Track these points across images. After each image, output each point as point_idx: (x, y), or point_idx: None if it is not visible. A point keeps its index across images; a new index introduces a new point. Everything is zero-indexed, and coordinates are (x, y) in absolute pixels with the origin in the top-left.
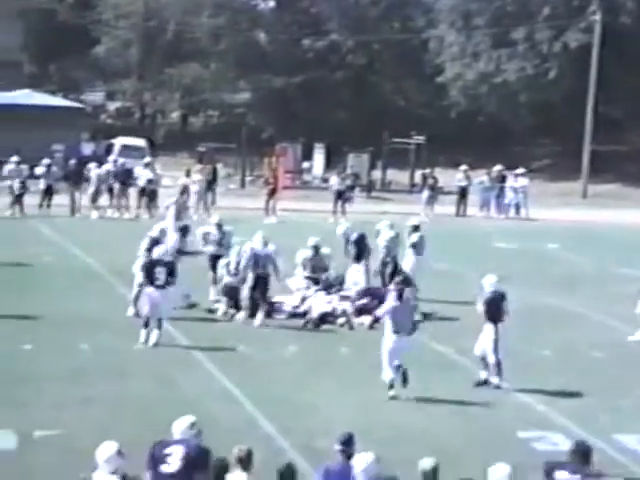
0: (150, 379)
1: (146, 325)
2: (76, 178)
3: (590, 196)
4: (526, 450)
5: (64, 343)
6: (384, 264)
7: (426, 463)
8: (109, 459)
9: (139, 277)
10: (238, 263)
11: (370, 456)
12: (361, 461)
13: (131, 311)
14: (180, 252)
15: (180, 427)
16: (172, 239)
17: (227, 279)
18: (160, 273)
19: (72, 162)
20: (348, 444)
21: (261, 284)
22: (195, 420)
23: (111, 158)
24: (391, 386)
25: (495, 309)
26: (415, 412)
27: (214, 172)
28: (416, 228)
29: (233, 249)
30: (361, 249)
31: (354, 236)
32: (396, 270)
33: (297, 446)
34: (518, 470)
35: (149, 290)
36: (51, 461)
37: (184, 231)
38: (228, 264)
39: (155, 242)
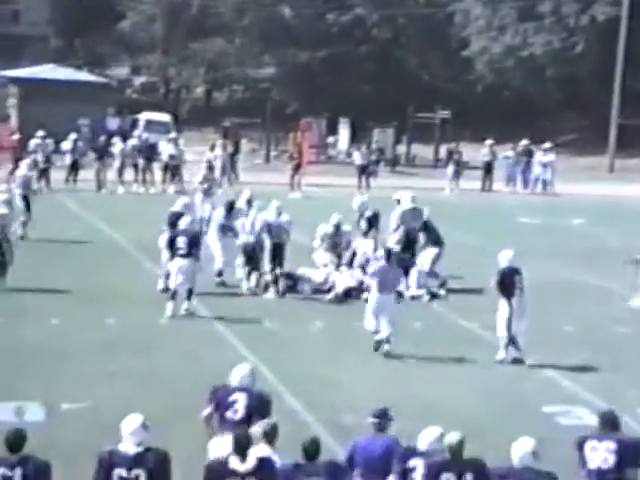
0: (175, 354)
1: (173, 297)
2: (102, 153)
3: (617, 170)
4: (551, 425)
5: (90, 318)
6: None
7: (453, 437)
8: (134, 431)
9: (165, 253)
10: (252, 225)
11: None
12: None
13: (161, 285)
14: (226, 228)
15: (239, 374)
16: (218, 215)
17: (244, 237)
18: (182, 242)
19: (102, 138)
20: (383, 417)
21: (277, 253)
22: (253, 367)
23: (136, 133)
24: (375, 332)
25: (509, 284)
26: (440, 387)
27: (236, 146)
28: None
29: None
30: (371, 226)
31: (368, 212)
32: (408, 240)
33: (322, 421)
34: (543, 444)
35: (175, 261)
36: (78, 434)
37: (230, 207)
38: (243, 224)
39: (177, 216)
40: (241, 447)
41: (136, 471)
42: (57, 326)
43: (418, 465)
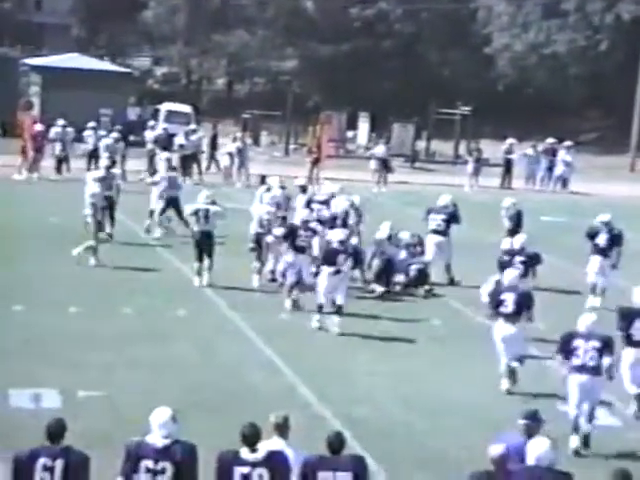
0: (192, 344)
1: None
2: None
3: (638, 170)
4: (568, 423)
5: (108, 307)
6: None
7: (495, 450)
8: (163, 424)
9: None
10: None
11: (546, 442)
12: (536, 447)
13: (196, 281)
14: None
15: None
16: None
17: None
18: (202, 217)
19: (118, 127)
20: (533, 419)
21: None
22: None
23: (151, 123)
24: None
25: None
26: (457, 383)
27: (255, 138)
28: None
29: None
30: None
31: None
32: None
33: (337, 414)
34: (560, 443)
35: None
36: (94, 421)
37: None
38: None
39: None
40: (249, 441)
41: (163, 463)
42: (75, 314)
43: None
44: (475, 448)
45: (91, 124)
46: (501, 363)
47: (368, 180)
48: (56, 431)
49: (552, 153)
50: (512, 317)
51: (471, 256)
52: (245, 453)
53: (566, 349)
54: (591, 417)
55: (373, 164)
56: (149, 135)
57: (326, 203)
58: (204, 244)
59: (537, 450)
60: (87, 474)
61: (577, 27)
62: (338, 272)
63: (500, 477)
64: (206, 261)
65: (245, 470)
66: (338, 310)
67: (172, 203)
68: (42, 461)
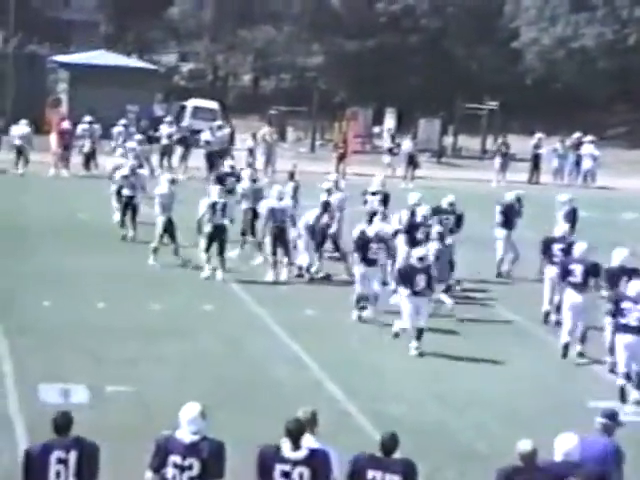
0: (218, 340)
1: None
2: (150, 139)
3: None
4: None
5: (136, 302)
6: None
7: (525, 446)
8: (192, 420)
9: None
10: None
11: (574, 438)
12: (564, 443)
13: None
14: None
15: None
16: (312, 215)
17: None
18: (219, 210)
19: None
20: (611, 419)
21: (281, 237)
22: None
23: (168, 119)
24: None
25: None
26: (485, 380)
27: (281, 134)
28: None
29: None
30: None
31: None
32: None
33: (363, 410)
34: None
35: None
36: (121, 416)
37: (325, 207)
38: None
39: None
40: (293, 436)
41: (190, 459)
42: (103, 310)
43: None
44: (505, 444)
45: (122, 121)
46: (563, 332)
47: (394, 176)
48: (63, 423)
49: (578, 147)
50: (580, 287)
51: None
52: (287, 450)
53: (616, 310)
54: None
55: (386, 159)
56: (165, 130)
57: (379, 195)
58: (217, 238)
59: (565, 446)
60: (98, 464)
61: (605, 21)
62: (419, 293)
63: (528, 472)
64: (217, 258)
65: (286, 468)
66: (419, 335)
67: (130, 205)
68: (56, 454)
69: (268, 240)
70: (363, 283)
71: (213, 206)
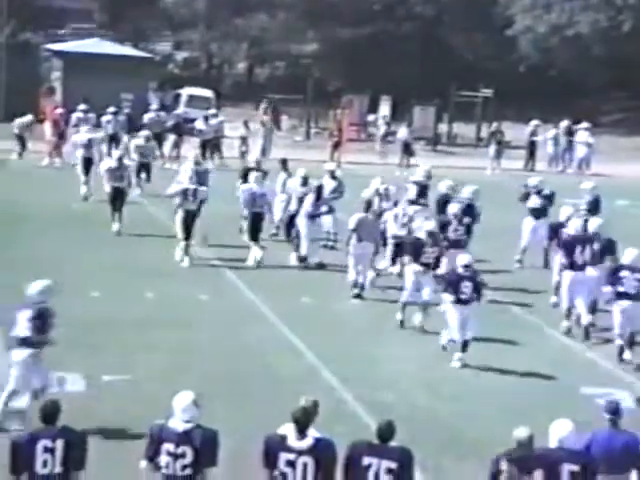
0: (214, 328)
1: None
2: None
3: None
4: (591, 407)
5: (131, 291)
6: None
7: (522, 432)
8: (185, 408)
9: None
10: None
11: (569, 425)
12: (559, 429)
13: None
14: (314, 216)
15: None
16: (308, 203)
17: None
18: (190, 196)
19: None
20: (616, 414)
21: (257, 222)
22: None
23: (153, 107)
24: (354, 285)
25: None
26: (480, 369)
27: (276, 122)
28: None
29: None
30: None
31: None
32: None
33: (359, 398)
34: (582, 426)
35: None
36: (118, 405)
37: (319, 192)
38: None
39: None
40: (300, 424)
41: (183, 447)
42: (98, 299)
43: None
44: (498, 431)
45: (111, 109)
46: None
47: (390, 163)
48: (51, 412)
49: (569, 133)
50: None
51: (499, 241)
52: (292, 439)
53: (613, 279)
54: (632, 343)
55: (378, 146)
56: (147, 117)
57: (421, 185)
58: (190, 223)
59: (560, 432)
60: (85, 452)
61: (600, 8)
62: (464, 302)
63: (526, 459)
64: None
65: (291, 457)
66: (464, 347)
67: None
68: (42, 443)
69: (247, 225)
70: (413, 293)
71: (184, 192)
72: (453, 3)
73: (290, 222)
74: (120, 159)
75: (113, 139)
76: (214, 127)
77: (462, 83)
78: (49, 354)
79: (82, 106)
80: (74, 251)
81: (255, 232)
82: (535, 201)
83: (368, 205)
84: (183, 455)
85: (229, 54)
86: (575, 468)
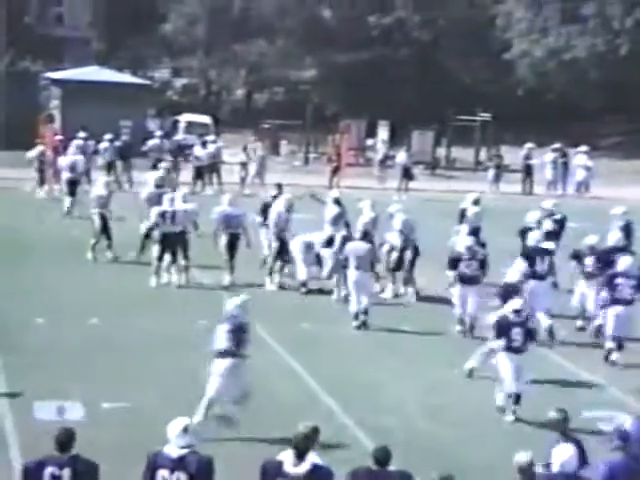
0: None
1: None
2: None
3: None
4: (592, 430)
5: (129, 318)
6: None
7: (522, 457)
8: (179, 434)
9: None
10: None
11: (570, 449)
12: (561, 454)
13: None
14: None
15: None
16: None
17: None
18: (168, 218)
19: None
20: (626, 440)
21: (234, 244)
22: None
23: (158, 133)
24: (356, 317)
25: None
26: (482, 393)
27: (274, 148)
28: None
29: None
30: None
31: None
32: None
33: (360, 423)
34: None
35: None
36: (117, 432)
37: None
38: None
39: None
40: (299, 450)
41: (178, 474)
42: (96, 326)
43: None
44: (500, 457)
45: (107, 136)
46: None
47: (388, 188)
48: (65, 439)
49: (562, 155)
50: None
51: (498, 264)
52: (288, 465)
53: (610, 285)
54: (620, 347)
55: (377, 170)
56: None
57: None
58: (168, 245)
59: (562, 457)
60: None
61: (596, 32)
62: (517, 350)
63: None
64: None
65: None
66: (517, 400)
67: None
68: (50, 470)
69: (223, 246)
70: (462, 305)
71: (163, 214)
72: (450, 27)
73: (281, 246)
74: (108, 184)
75: (110, 166)
76: (211, 153)
77: (460, 107)
78: (47, 382)
79: (82, 134)
80: (73, 279)
81: (231, 251)
82: (548, 225)
83: (365, 234)
84: None
85: (228, 80)
86: None
